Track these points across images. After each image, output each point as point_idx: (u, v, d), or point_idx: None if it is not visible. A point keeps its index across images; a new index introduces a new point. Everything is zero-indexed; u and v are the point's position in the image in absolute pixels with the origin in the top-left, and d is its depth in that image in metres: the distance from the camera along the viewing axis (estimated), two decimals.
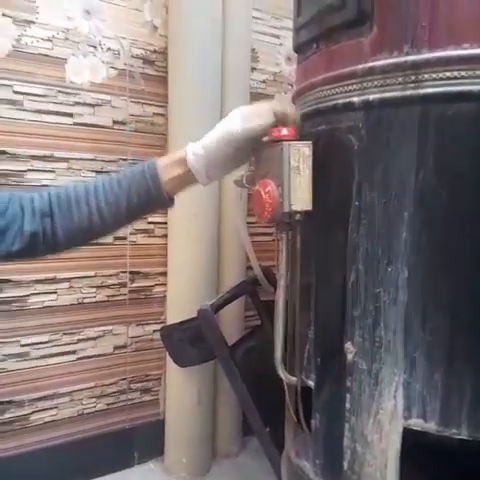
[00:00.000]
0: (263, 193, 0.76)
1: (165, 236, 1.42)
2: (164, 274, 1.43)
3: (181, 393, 1.40)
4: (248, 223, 1.39)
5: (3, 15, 1.14)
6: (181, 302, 1.36)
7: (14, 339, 1.25)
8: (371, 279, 0.69)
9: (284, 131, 0.76)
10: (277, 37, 1.56)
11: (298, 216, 0.77)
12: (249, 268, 1.36)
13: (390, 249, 0.66)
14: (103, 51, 1.27)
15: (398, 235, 0.65)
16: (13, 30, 1.15)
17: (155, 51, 1.35)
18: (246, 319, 1.51)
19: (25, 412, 1.28)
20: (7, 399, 1.26)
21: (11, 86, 1.17)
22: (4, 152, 1.17)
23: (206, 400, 1.41)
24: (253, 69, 1.51)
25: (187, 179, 0.69)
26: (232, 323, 1.42)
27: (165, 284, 1.44)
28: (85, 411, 1.37)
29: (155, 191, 0.67)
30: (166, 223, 1.41)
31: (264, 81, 1.56)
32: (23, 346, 1.26)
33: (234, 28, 1.37)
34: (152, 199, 0.68)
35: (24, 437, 1.29)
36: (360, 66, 0.67)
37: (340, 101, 0.70)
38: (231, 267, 1.43)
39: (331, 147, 0.73)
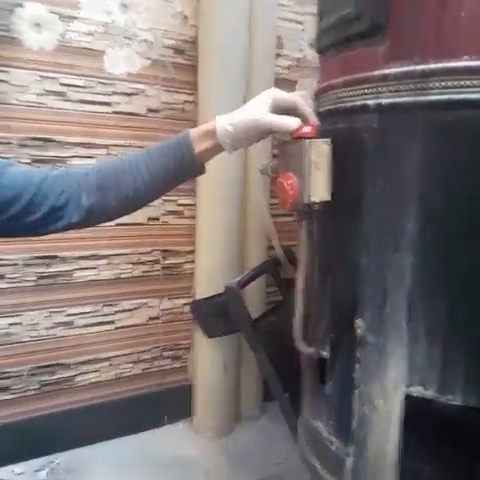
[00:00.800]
0: (286, 184, 0.84)
1: (193, 217, 1.52)
2: (192, 252, 1.55)
3: (208, 361, 1.53)
4: (270, 205, 1.48)
5: (51, 12, 1.23)
6: (208, 278, 1.48)
7: (61, 309, 1.39)
8: (380, 264, 0.77)
9: (306, 129, 0.84)
10: (300, 23, 1.60)
11: (317, 206, 0.85)
12: (271, 248, 1.45)
13: (397, 238, 0.74)
14: (138, 42, 1.35)
15: (404, 226, 0.73)
16: (59, 25, 1.25)
17: (186, 41, 1.42)
18: (267, 295, 1.62)
19: (71, 374, 1.44)
20: (55, 362, 1.41)
21: (57, 79, 1.27)
22: (52, 140, 1.29)
23: (230, 368, 1.54)
24: (278, 55, 1.56)
25: (215, 149, 0.75)
26: (255, 299, 1.53)
27: (193, 261, 1.55)
28: (122, 375, 1.52)
29: (189, 159, 0.73)
30: (194, 205, 1.51)
31: (288, 67, 1.61)
32: (68, 315, 1.41)
33: (261, 15, 1.42)
34: (187, 167, 0.74)
35: (70, 396, 1.45)
36: (375, 72, 0.74)
37: (357, 103, 0.77)
38: (254, 247, 1.53)
39: (348, 144, 0.81)
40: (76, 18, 1.26)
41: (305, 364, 0.98)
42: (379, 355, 0.80)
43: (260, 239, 1.53)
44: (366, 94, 0.76)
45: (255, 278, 1.34)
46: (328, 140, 0.81)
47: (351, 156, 0.80)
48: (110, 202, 0.71)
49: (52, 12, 1.24)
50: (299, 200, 0.83)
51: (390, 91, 0.72)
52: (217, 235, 1.45)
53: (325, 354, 0.92)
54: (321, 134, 0.84)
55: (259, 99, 0.74)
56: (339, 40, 0.80)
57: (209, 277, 1.47)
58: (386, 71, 0.72)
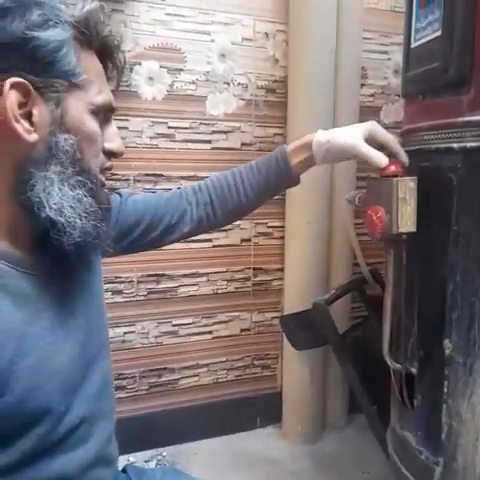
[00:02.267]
0: (374, 217, 0.95)
1: (282, 238, 1.66)
2: (281, 270, 1.68)
3: (296, 371, 1.65)
4: (355, 224, 1.57)
5: (160, 67, 1.45)
6: (296, 294, 1.60)
7: (167, 320, 1.59)
8: (467, 289, 0.85)
9: (393, 168, 0.94)
10: (385, 53, 1.69)
11: (404, 236, 0.95)
12: (355, 265, 1.54)
13: None
14: (234, 86, 1.53)
15: None
16: (167, 78, 1.46)
17: (276, 81, 1.58)
18: (352, 310, 1.71)
19: (175, 377, 1.63)
20: (162, 366, 1.61)
21: (166, 123, 1.48)
22: (161, 175, 1.50)
23: (317, 378, 1.65)
24: (362, 85, 1.66)
25: (309, 161, 0.80)
26: (340, 313, 1.63)
27: (282, 278, 1.68)
28: (219, 380, 1.69)
29: (286, 171, 0.79)
30: (283, 227, 1.65)
31: (372, 95, 1.70)
32: (174, 326, 1.60)
33: (346, 51, 1.54)
34: (284, 178, 0.81)
35: (174, 397, 1.64)
36: (459, 119, 0.83)
37: (442, 145, 0.87)
38: (340, 265, 1.63)
39: (434, 181, 0.90)
40: (182, 70, 1.47)
41: (394, 378, 1.07)
42: (467, 374, 0.87)
43: (344, 260, 1.63)
44: (451, 138, 0.85)
45: (342, 296, 1.44)
46: (415, 178, 0.91)
47: (437, 192, 0.89)
48: (217, 214, 0.81)
49: (161, 66, 1.45)
50: (387, 231, 0.93)
51: (473, 136, 0.81)
52: (305, 255, 1.57)
53: (413, 370, 1.00)
54: (407, 171, 0.94)
55: (358, 126, 0.79)
56: (425, 88, 0.90)
57: (297, 293, 1.60)
58: (470, 118, 0.81)
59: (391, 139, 0.83)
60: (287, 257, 1.64)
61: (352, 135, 0.78)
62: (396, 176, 0.91)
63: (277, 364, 1.75)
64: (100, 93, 0.54)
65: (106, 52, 0.57)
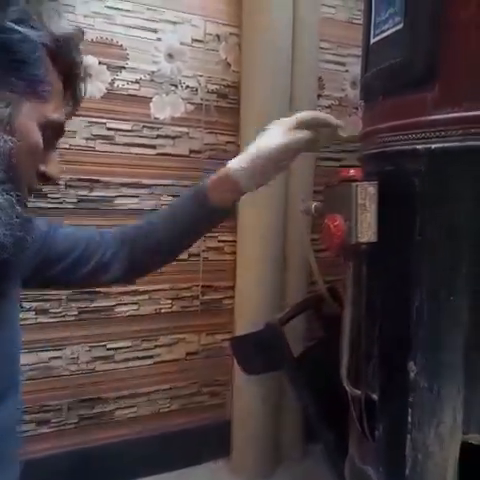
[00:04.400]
0: (332, 226, 0.86)
1: (234, 253, 1.55)
2: (232, 288, 1.56)
3: (247, 398, 1.52)
4: (312, 240, 1.49)
5: (99, 63, 1.32)
6: (248, 314, 1.49)
7: (102, 343, 1.42)
8: (434, 306, 0.77)
9: (352, 172, 0.86)
10: (342, 64, 1.65)
11: (364, 247, 0.87)
12: (313, 283, 1.45)
13: (451, 281, 0.74)
14: (182, 89, 1.43)
15: (459, 270, 0.73)
16: (107, 75, 1.33)
17: (228, 85, 1.49)
18: (308, 331, 1.61)
19: (110, 408, 1.45)
20: (95, 396, 1.43)
21: (105, 124, 1.35)
22: (98, 181, 1.35)
23: (270, 406, 1.52)
24: (319, 96, 1.61)
25: (234, 190, 0.74)
26: (296, 335, 1.52)
27: (233, 297, 1.56)
28: (160, 410, 1.53)
29: (208, 209, 0.73)
30: (235, 241, 1.54)
31: (329, 106, 1.65)
32: (108, 349, 1.43)
33: (302, 60, 1.48)
34: (208, 216, 0.75)
35: (108, 431, 1.46)
36: (423, 118, 0.76)
37: (405, 147, 0.79)
38: (295, 283, 1.53)
39: (395, 186, 0.82)
40: (124, 68, 1.35)
41: (353, 405, 0.97)
42: (433, 400, 0.78)
43: (301, 277, 1.54)
44: (415, 139, 0.77)
45: (297, 315, 1.34)
46: (375, 182, 0.83)
47: (400, 198, 0.81)
48: (144, 258, 0.77)
49: (100, 63, 1.32)
50: (345, 241, 0.84)
51: (439, 136, 0.74)
52: (258, 271, 1.46)
53: (374, 396, 0.91)
54: (366, 175, 0.86)
55: (267, 130, 0.75)
56: (386, 87, 0.82)
57: (249, 313, 1.48)
58: (435, 117, 0.74)
59: (316, 112, 0.82)
60: (239, 274, 1.53)
61: (263, 141, 0.73)
62: (355, 181, 0.83)
63: (227, 391, 1.61)
64: (56, 110, 0.54)
65: (70, 79, 0.56)
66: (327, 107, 1.64)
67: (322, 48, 1.58)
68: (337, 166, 1.64)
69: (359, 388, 0.93)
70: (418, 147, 0.76)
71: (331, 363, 0.96)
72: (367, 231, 0.83)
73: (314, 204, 1.00)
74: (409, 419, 0.82)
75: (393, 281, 0.85)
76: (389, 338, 0.86)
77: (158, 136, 1.41)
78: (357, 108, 1.64)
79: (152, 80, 1.38)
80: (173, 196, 1.45)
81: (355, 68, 1.59)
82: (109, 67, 1.34)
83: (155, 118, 1.40)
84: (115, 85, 1.35)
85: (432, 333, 0.77)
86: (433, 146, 0.74)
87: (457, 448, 0.75)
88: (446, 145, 0.73)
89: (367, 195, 0.83)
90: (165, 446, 1.51)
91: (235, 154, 1.47)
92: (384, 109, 0.84)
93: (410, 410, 0.81)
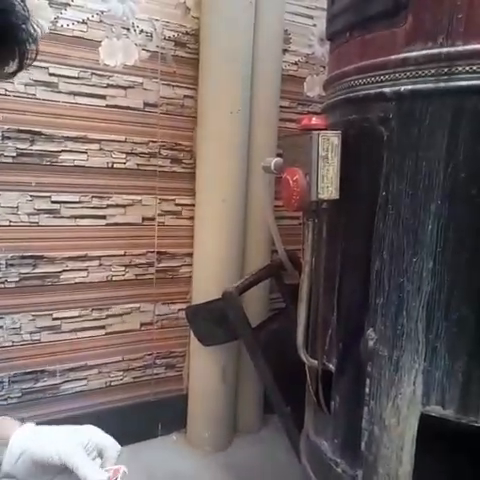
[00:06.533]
0: (291, 181, 0.77)
1: (192, 218, 1.45)
2: (190, 255, 1.47)
3: (204, 370, 1.45)
4: (275, 207, 1.40)
5: None
6: (207, 283, 1.40)
7: (46, 313, 1.31)
8: (395, 268, 0.70)
9: (314, 120, 0.77)
10: (310, 17, 1.54)
11: (325, 205, 0.79)
12: (274, 252, 1.38)
13: (416, 240, 0.67)
14: (136, 33, 1.29)
15: (424, 227, 0.66)
16: (49, 12, 1.18)
17: (187, 33, 1.36)
18: (271, 301, 1.54)
19: (56, 381, 1.35)
20: (40, 369, 1.33)
21: (47, 68, 1.20)
22: (40, 133, 1.21)
23: (229, 378, 1.46)
24: (285, 51, 1.50)
25: None
26: (256, 305, 1.45)
27: (191, 265, 1.47)
28: (112, 383, 1.44)
29: None
30: (193, 205, 1.43)
31: (296, 63, 1.55)
32: (55, 319, 1.32)
33: (267, 9, 1.36)
34: None
35: (54, 405, 1.36)
36: (393, 57, 0.67)
37: (371, 91, 0.70)
38: (257, 250, 1.45)
39: (361, 137, 0.74)
40: (69, 5, 1.19)
41: (309, 376, 0.91)
42: (392, 370, 0.72)
43: (263, 243, 1.46)
44: (382, 81, 0.69)
45: (256, 283, 1.26)
46: (338, 132, 0.75)
47: (365, 150, 0.74)
48: None
49: None
50: (305, 198, 0.76)
51: (409, 77, 0.65)
52: (218, 237, 1.37)
53: (331, 367, 0.85)
54: (331, 126, 0.78)
55: (69, 431, 0.55)
56: (354, 22, 0.73)
57: (208, 281, 1.39)
58: (406, 55, 0.65)
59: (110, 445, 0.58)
60: (197, 240, 1.43)
61: (59, 441, 0.53)
62: (317, 130, 0.74)
63: (183, 363, 1.54)
64: None
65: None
66: (293, 64, 1.53)
67: None
68: None
69: (316, 358, 0.87)
70: (386, 90, 0.68)
71: (290, 334, 0.90)
72: (328, 187, 0.75)
73: (274, 159, 0.91)
74: (366, 390, 0.76)
75: (353, 242, 0.77)
76: (348, 304, 0.80)
77: (108, 85, 1.28)
78: (325, 67, 1.53)
79: (101, 21, 1.24)
80: (126, 153, 1.33)
81: (324, 23, 1.49)
82: (51, 3, 1.18)
83: (105, 65, 1.26)
84: (59, 25, 1.19)
85: (392, 299, 0.70)
86: (402, 88, 0.66)
87: (415, 422, 0.69)
88: (417, 87, 0.65)
89: (330, 146, 0.74)
90: (118, 420, 1.42)
91: (193, 109, 1.39)
92: (350, 48, 0.75)
93: (368, 380, 0.76)
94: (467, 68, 0.60)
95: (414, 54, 0.64)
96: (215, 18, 1.30)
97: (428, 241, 0.66)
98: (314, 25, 1.54)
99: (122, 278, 1.40)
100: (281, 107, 1.48)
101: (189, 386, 1.51)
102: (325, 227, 0.80)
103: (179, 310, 1.50)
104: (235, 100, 1.31)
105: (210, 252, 1.40)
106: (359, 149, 0.74)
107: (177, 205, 1.44)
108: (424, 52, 0.63)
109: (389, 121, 0.68)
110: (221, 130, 1.31)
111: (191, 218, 1.45)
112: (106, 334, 1.41)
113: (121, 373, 1.45)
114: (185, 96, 1.38)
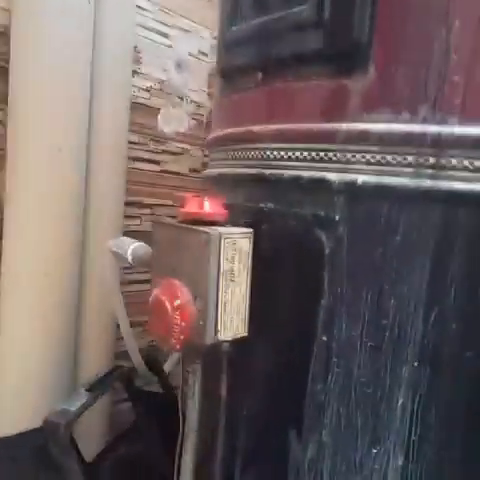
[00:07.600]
0: (169, 308, 0.45)
1: None
2: None
3: None
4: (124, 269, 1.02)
5: None
6: (12, 396, 0.94)
7: None
8: (341, 464, 0.44)
9: (207, 206, 0.46)
10: (165, 36, 1.23)
11: (226, 346, 0.48)
12: (121, 338, 0.99)
13: (378, 420, 0.42)
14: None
15: (391, 401, 0.42)
16: None
17: None
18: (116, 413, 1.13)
19: None
20: None
21: None
22: None
23: None
24: (134, 72, 1.15)
25: None
26: (93, 425, 1.04)
27: None
28: None
29: None
30: None
31: (148, 89, 1.21)
32: None
33: (110, 10, 1.01)
34: None
35: None
36: (344, 125, 0.41)
37: (304, 174, 0.44)
38: (94, 343, 1.05)
39: (283, 241, 0.46)
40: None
41: None
42: None
43: (105, 329, 1.06)
44: (324, 161, 0.43)
45: (96, 400, 0.87)
46: (249, 231, 0.46)
47: (290, 265, 0.46)
48: None
49: None
50: (195, 336, 0.45)
51: (371, 162, 0.40)
52: (36, 325, 0.93)
53: None
54: (231, 215, 0.48)
55: None
56: (272, 59, 0.45)
57: (14, 394, 0.93)
58: (366, 126, 0.40)
59: None
60: (2, 328, 0.97)
61: None
62: (214, 224, 0.45)
63: None
64: None
65: None
66: (145, 90, 1.20)
67: (140, 7, 1.13)
68: (157, 171, 1.23)
69: None
70: (330, 177, 0.42)
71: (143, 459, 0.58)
72: (234, 320, 0.46)
73: (133, 245, 0.58)
74: None
75: (271, 412, 0.48)
76: None
77: None
78: (182, 99, 1.24)
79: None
80: None
81: (180, 47, 1.20)
82: None
83: None
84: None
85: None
86: (360, 179, 0.40)
87: None
88: (385, 181, 0.40)
89: (237, 254, 0.45)
90: None
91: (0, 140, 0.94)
92: (264, 97, 0.47)
93: None
94: (466, 163, 0.37)
95: (380, 127, 0.40)
96: (32, 14, 0.89)
97: (396, 424, 0.41)
98: (170, 46, 1.24)
99: None
100: (130, 143, 1.13)
101: None
102: (225, 379, 0.49)
103: None
104: (65, 132, 0.91)
105: (19, 347, 0.94)
106: (282, 260, 0.46)
107: None
108: (396, 127, 0.39)
109: (334, 225, 0.42)
110: (42, 174, 0.89)
111: None
112: None
113: None
114: None
